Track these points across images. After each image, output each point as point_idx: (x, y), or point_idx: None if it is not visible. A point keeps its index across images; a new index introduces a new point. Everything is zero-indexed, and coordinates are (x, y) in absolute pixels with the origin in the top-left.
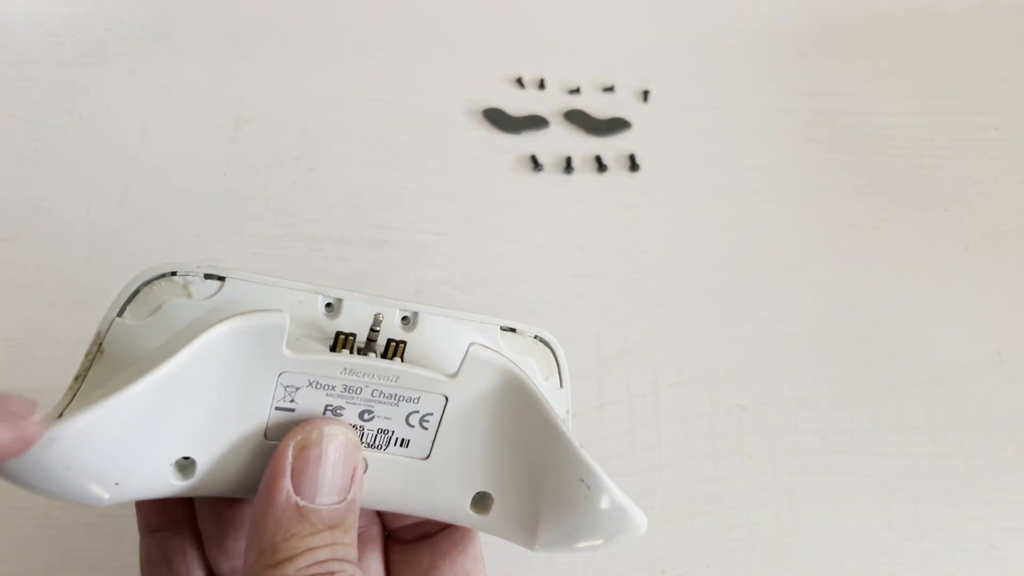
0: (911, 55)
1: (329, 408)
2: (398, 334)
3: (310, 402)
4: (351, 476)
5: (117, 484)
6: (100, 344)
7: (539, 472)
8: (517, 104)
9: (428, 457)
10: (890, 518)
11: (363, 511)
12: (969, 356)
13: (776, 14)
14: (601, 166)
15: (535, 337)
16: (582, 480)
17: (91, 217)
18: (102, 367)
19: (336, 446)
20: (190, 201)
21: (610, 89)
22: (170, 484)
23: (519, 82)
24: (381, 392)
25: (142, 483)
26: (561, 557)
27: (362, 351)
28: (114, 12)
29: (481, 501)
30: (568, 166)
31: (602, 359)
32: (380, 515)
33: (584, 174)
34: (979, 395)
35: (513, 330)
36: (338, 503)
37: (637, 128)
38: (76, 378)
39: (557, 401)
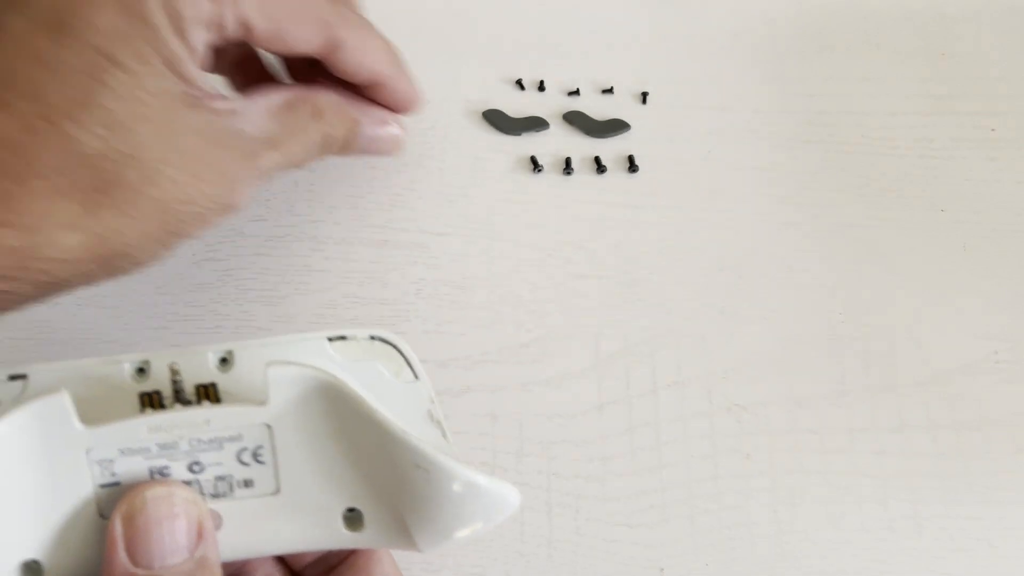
0: (911, 55)
1: (154, 471)
2: (210, 376)
3: (131, 470)
4: (196, 533)
5: None
6: None
7: (386, 471)
8: (517, 105)
9: (279, 491)
10: (889, 518)
11: (262, 561)
12: (968, 356)
13: (776, 15)
14: (600, 167)
15: (371, 338)
16: (418, 466)
17: None
18: None
19: (166, 507)
20: None
21: (609, 91)
22: None
23: (519, 84)
24: (199, 440)
25: None
26: (559, 556)
27: (172, 405)
28: None
29: (352, 518)
30: (567, 167)
31: (601, 359)
32: (284, 561)
33: (583, 175)
34: (978, 395)
35: (343, 337)
36: (182, 563)
37: (636, 129)
38: None
39: (415, 394)
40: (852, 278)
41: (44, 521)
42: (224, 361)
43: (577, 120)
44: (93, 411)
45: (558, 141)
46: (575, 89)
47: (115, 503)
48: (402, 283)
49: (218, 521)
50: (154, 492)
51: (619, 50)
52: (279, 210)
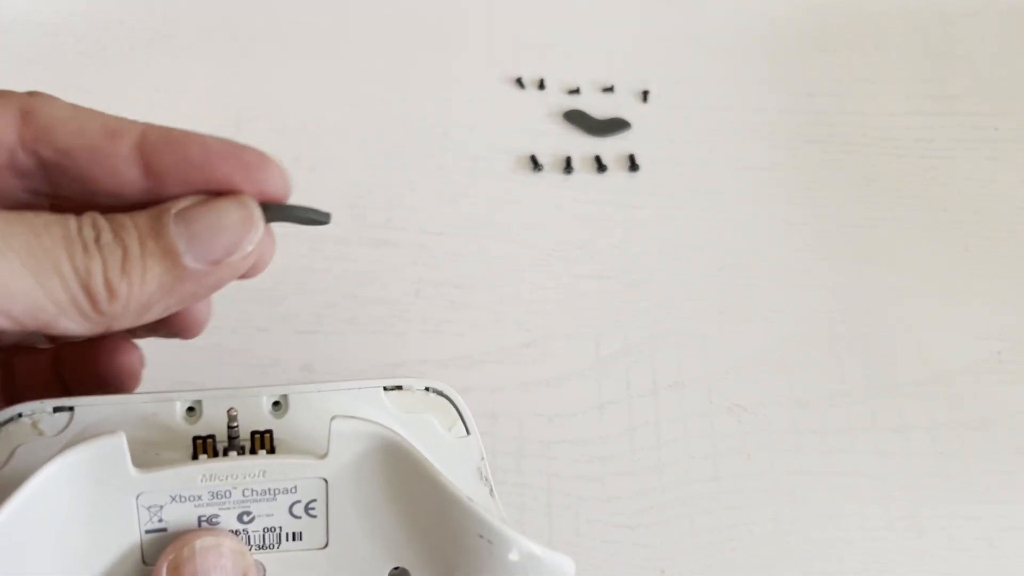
0: (911, 55)
1: (203, 518)
2: (265, 423)
3: (180, 517)
4: None
5: None
6: None
7: (443, 535)
8: (517, 104)
9: (327, 545)
10: (889, 517)
11: None
12: (969, 356)
13: (776, 14)
14: (601, 166)
15: (427, 389)
16: (481, 536)
17: None
18: None
19: (214, 558)
20: None
21: (610, 89)
22: None
23: (519, 82)
24: (252, 490)
25: None
26: None
27: (227, 451)
28: (114, 12)
29: None
30: (568, 166)
31: (602, 359)
32: None
33: (584, 174)
34: (978, 395)
35: (399, 387)
36: None
37: (637, 128)
38: None
39: (466, 450)
40: (853, 278)
41: (86, 564)
42: (277, 405)
43: (577, 119)
44: (143, 452)
45: (558, 140)
46: (576, 87)
47: (160, 550)
48: (402, 283)
49: (261, 573)
50: (203, 542)
51: (620, 48)
52: None
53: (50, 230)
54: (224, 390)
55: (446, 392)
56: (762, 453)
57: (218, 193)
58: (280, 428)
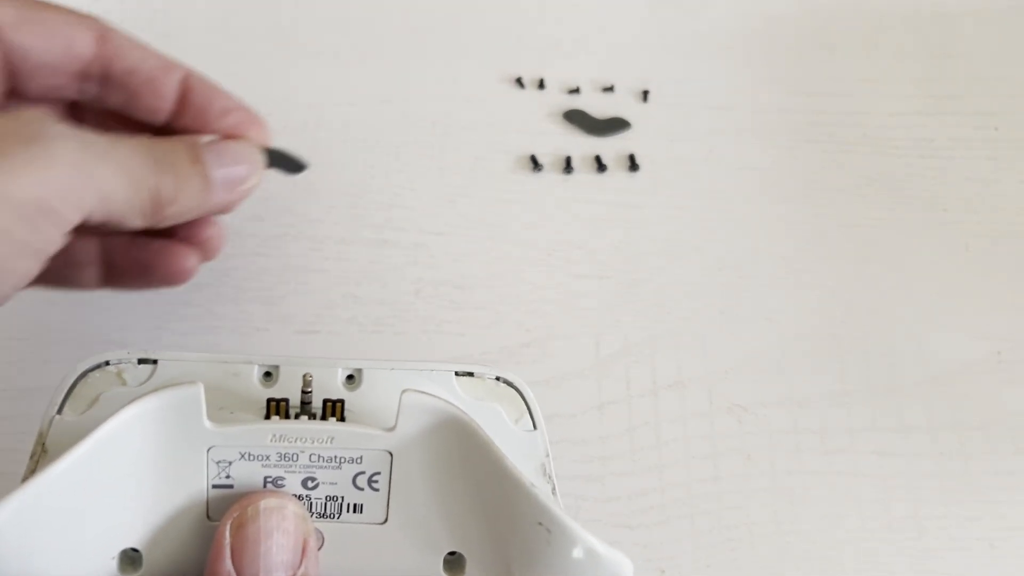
0: (911, 55)
1: (268, 479)
2: (338, 393)
3: (247, 475)
4: (301, 550)
5: None
6: (43, 444)
7: (502, 522)
8: (517, 104)
9: (386, 521)
10: (889, 518)
11: None
12: (969, 356)
13: (776, 14)
14: (601, 166)
15: (497, 379)
16: (540, 523)
17: None
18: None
19: (277, 520)
20: None
21: (610, 89)
22: None
23: (519, 82)
24: (319, 456)
25: None
26: None
27: (298, 415)
28: (114, 12)
29: (453, 563)
30: (568, 166)
31: (602, 359)
32: None
33: (584, 174)
34: (979, 395)
35: (471, 374)
36: None
37: (637, 128)
38: (23, 480)
39: (532, 444)
40: (853, 278)
41: (152, 512)
42: (351, 378)
43: (577, 118)
44: (218, 411)
45: (558, 140)
46: (576, 87)
47: (224, 506)
48: (401, 283)
49: (320, 541)
50: (267, 503)
51: (620, 48)
52: (277, 209)
53: (138, 151)
54: (302, 358)
55: (516, 384)
56: (762, 453)
57: (226, 136)
58: (351, 401)
